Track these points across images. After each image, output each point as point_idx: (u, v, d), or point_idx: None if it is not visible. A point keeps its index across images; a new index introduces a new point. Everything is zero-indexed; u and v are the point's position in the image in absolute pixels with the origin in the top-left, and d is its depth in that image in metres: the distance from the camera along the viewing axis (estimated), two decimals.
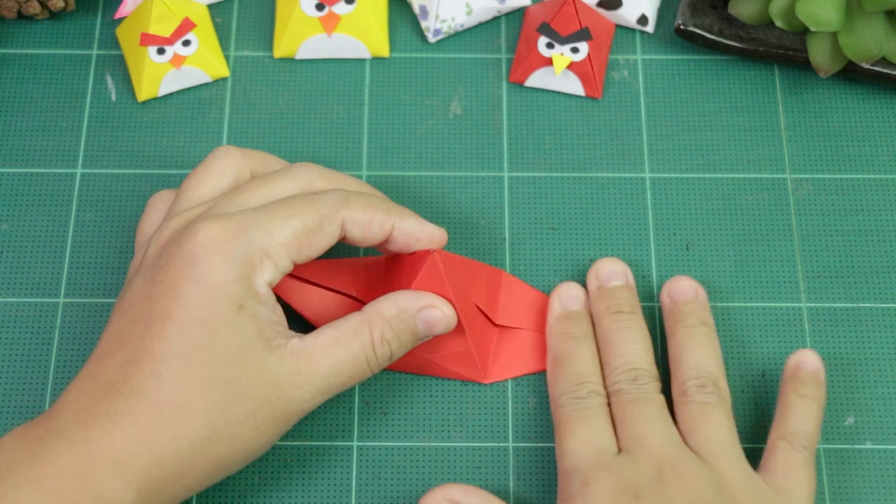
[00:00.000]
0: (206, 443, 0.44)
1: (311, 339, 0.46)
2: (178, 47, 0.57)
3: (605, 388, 0.50)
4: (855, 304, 0.54)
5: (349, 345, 0.47)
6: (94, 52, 0.60)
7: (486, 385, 0.52)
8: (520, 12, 0.61)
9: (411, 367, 0.52)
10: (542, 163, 0.57)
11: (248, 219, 0.46)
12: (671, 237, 0.56)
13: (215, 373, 0.44)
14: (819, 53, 0.56)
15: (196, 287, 0.44)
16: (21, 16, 0.60)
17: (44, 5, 0.59)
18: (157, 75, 0.57)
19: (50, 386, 0.52)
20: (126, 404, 0.43)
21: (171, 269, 0.45)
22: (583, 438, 0.48)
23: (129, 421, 0.43)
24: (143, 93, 0.58)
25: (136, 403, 0.43)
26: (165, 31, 0.56)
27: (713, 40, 0.58)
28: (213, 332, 0.44)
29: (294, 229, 0.46)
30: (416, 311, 0.48)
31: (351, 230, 0.48)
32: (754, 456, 0.50)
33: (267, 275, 0.45)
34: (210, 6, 0.61)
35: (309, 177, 0.49)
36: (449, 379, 0.52)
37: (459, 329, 0.50)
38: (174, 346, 0.43)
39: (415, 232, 0.49)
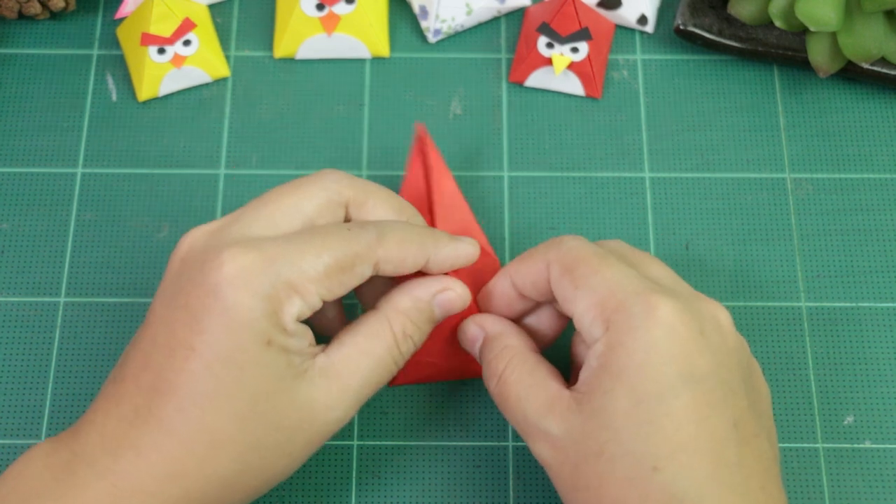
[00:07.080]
0: (237, 476, 0.43)
1: (336, 351, 0.45)
2: (178, 47, 0.57)
3: None
4: (855, 304, 0.54)
5: (374, 350, 0.45)
6: (95, 52, 0.60)
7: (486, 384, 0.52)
8: (520, 12, 0.61)
9: (455, 374, 0.52)
10: (542, 163, 0.57)
11: (278, 251, 0.43)
12: (671, 237, 0.56)
13: (243, 410, 0.42)
14: (819, 53, 0.56)
15: (220, 321, 0.42)
16: (21, 16, 0.60)
17: (44, 5, 0.59)
18: (158, 75, 0.58)
19: (50, 386, 0.52)
20: (153, 437, 0.42)
21: (192, 296, 0.42)
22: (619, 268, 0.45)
23: (157, 454, 0.42)
24: (144, 93, 0.58)
25: (163, 437, 0.42)
26: (166, 30, 0.56)
27: (713, 40, 0.58)
28: (241, 370, 0.42)
29: (326, 266, 0.43)
30: (431, 297, 0.47)
31: (384, 269, 0.46)
32: None
33: (295, 310, 0.43)
34: (210, 6, 0.61)
35: (337, 184, 0.47)
36: (449, 378, 0.52)
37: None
38: (199, 383, 0.42)
39: (448, 260, 0.47)
